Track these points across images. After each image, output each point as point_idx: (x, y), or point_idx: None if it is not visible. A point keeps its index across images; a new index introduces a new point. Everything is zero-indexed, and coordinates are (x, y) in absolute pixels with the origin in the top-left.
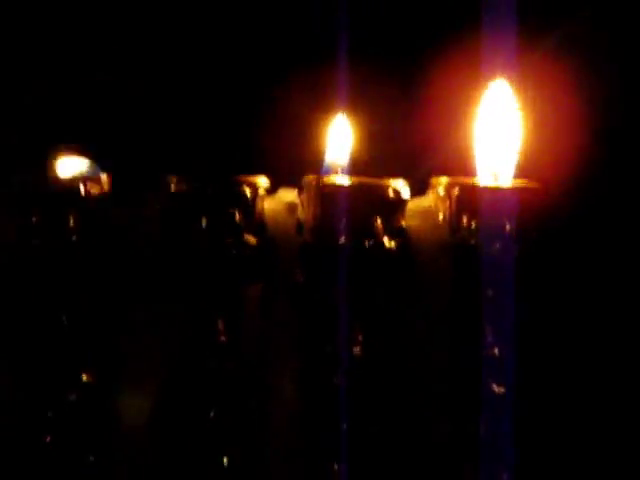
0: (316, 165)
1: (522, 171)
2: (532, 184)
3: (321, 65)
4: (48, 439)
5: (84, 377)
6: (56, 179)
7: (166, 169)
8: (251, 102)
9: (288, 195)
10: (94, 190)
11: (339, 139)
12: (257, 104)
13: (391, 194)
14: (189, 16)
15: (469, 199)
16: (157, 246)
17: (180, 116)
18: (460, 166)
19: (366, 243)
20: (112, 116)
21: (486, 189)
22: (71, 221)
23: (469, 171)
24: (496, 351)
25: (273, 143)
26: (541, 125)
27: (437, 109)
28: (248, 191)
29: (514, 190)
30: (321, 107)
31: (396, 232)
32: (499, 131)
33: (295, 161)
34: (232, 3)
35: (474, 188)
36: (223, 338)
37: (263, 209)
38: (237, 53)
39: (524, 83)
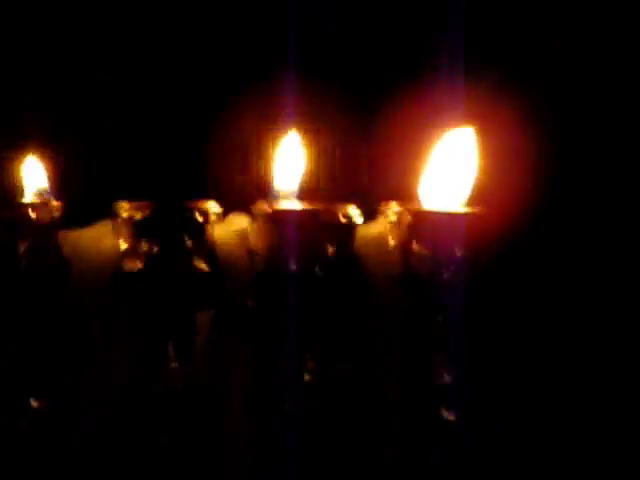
0: (266, 190)
1: (472, 200)
2: (481, 210)
3: (272, 88)
4: None
5: (34, 403)
6: (4, 204)
7: (116, 194)
8: (200, 126)
9: (239, 221)
10: (44, 216)
11: (290, 164)
12: (206, 128)
13: (342, 220)
14: (134, 35)
15: (420, 225)
16: (107, 272)
17: (130, 141)
18: (410, 193)
19: (317, 269)
20: (60, 139)
21: (437, 215)
22: (20, 247)
23: (418, 198)
24: (447, 378)
25: (224, 168)
26: (492, 156)
27: (390, 137)
28: (199, 217)
29: (464, 215)
30: (272, 132)
31: (347, 258)
32: (450, 159)
33: (246, 186)
34: (178, 23)
35: (425, 214)
36: (174, 364)
37: (214, 235)
38: (185, 76)
39: (476, 115)
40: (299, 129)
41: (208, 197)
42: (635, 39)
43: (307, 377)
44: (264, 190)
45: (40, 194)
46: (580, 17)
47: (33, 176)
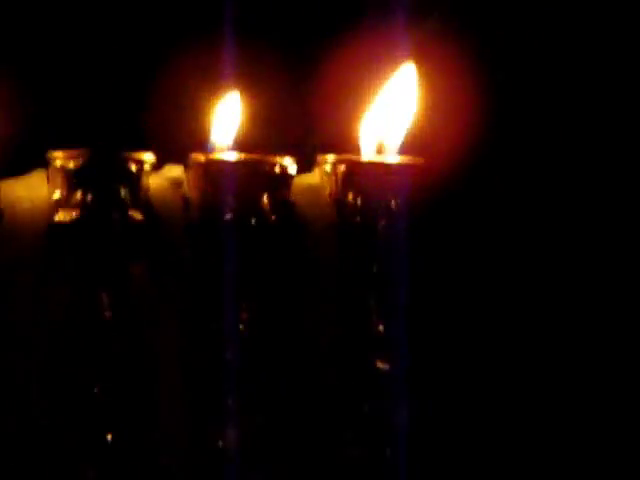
0: (203, 143)
1: (408, 149)
2: (417, 160)
3: (210, 42)
4: None
5: None
6: None
7: (51, 143)
8: (139, 78)
9: (174, 171)
10: None
11: (227, 117)
12: (145, 80)
13: (277, 170)
14: None
15: (355, 175)
16: (41, 222)
17: (67, 89)
18: (348, 144)
19: (252, 220)
20: None
21: (371, 165)
22: None
23: (356, 149)
24: (381, 328)
25: (160, 119)
26: (429, 105)
27: (328, 87)
28: (134, 167)
29: (399, 166)
30: (210, 84)
31: (282, 208)
32: (387, 108)
33: (182, 138)
34: None
35: (360, 164)
36: (107, 314)
37: (148, 185)
38: (125, 24)
39: (415, 62)
40: (237, 84)
41: (145, 149)
42: None
43: (242, 328)
44: (201, 143)
45: None
46: None
47: None
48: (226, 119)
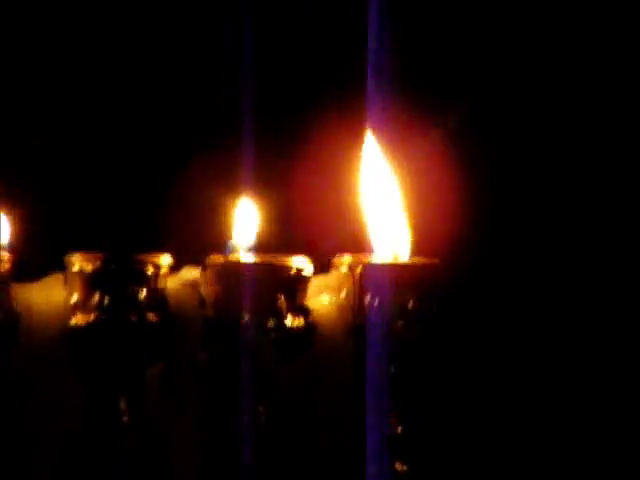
0: (221, 245)
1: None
2: (431, 260)
3: (229, 147)
4: None
5: None
6: None
7: (70, 246)
8: (158, 182)
9: (191, 274)
10: None
11: (245, 219)
12: (164, 185)
13: (293, 271)
14: (94, 87)
15: (371, 277)
16: (58, 325)
17: (84, 192)
18: (357, 245)
19: (269, 322)
20: (12, 191)
21: (389, 267)
22: None
23: (366, 250)
24: (400, 430)
25: (178, 222)
26: (428, 203)
27: (335, 189)
28: (150, 269)
29: (416, 266)
30: (228, 187)
31: (299, 310)
32: (392, 210)
33: (200, 241)
34: (137, 84)
35: (376, 266)
36: (125, 418)
37: (165, 287)
38: (143, 131)
39: (414, 162)
40: (254, 187)
41: (162, 251)
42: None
43: (259, 429)
44: (219, 246)
45: None
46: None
47: None
48: (244, 221)
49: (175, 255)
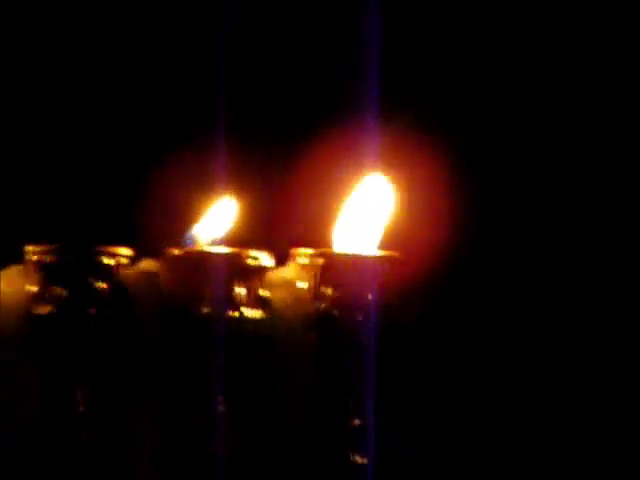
0: (181, 239)
1: (385, 244)
2: (393, 254)
3: (203, 144)
4: None
5: None
6: None
7: (28, 238)
8: (129, 177)
9: (151, 265)
10: None
11: (208, 215)
12: (135, 179)
13: (250, 262)
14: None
15: (331, 268)
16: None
17: (47, 182)
18: (325, 239)
19: (226, 312)
20: None
21: (348, 258)
22: None
23: (332, 243)
24: (357, 422)
25: (144, 217)
26: (406, 201)
27: (307, 185)
28: (108, 261)
29: (376, 258)
30: (193, 185)
31: (257, 301)
32: (365, 204)
33: (163, 235)
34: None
35: (337, 257)
36: (82, 409)
37: (124, 279)
38: (117, 124)
39: (390, 159)
40: (220, 185)
41: (123, 244)
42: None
43: (219, 422)
44: (179, 240)
45: None
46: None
47: None
48: (207, 217)
49: (136, 248)
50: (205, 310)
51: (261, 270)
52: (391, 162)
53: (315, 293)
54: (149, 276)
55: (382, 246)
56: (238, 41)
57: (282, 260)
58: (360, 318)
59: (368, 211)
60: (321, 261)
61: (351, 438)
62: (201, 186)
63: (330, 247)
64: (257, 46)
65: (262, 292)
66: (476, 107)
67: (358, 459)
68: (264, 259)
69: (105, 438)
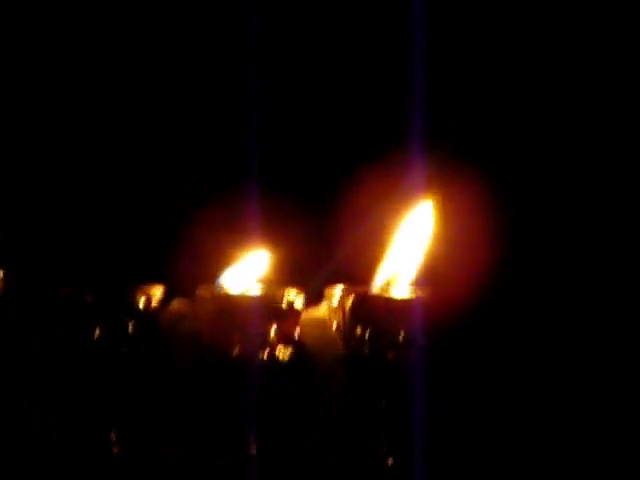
0: (215, 280)
1: (423, 281)
2: (424, 293)
3: (234, 192)
4: None
5: None
6: None
7: (63, 279)
8: (165, 227)
9: (182, 304)
10: None
11: (243, 259)
12: (170, 228)
13: (284, 304)
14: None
15: (362, 308)
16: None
17: (78, 224)
18: (362, 279)
19: (260, 353)
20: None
21: (379, 298)
22: None
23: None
24: (390, 461)
25: (175, 254)
26: (444, 238)
27: (347, 223)
28: (142, 301)
29: (405, 300)
30: (227, 231)
31: (290, 342)
32: (403, 243)
33: (197, 277)
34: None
35: (367, 297)
36: (116, 449)
37: (157, 319)
38: (154, 166)
39: (430, 197)
40: (253, 229)
41: (156, 283)
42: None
43: (251, 461)
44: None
45: None
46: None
47: None
48: (242, 261)
49: (169, 288)
50: (238, 350)
51: (294, 310)
52: (431, 195)
53: (345, 332)
54: (183, 316)
55: (420, 280)
56: (272, 77)
57: (317, 299)
58: (390, 357)
59: (406, 246)
60: (351, 300)
61: (384, 477)
62: (234, 231)
63: (367, 285)
64: (292, 77)
65: (294, 332)
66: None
67: None
68: (296, 300)
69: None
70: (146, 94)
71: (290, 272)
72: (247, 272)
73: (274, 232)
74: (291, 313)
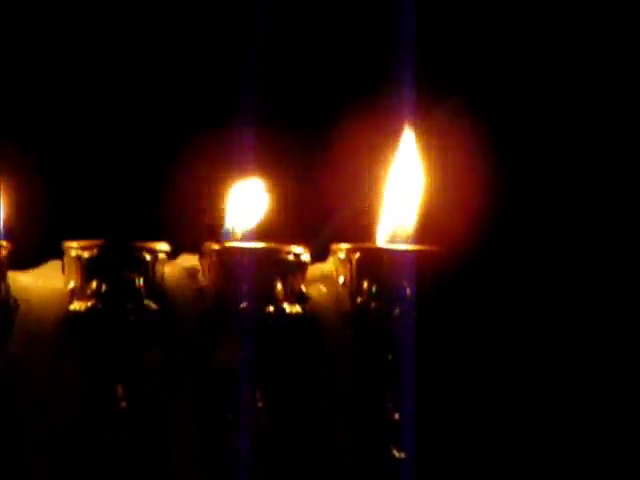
0: (218, 232)
1: (421, 234)
2: (430, 247)
3: (227, 129)
4: None
5: None
6: None
7: (67, 234)
8: (155, 167)
9: (189, 261)
10: None
11: (242, 205)
12: (161, 169)
13: (291, 258)
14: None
15: (369, 263)
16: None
17: (82, 179)
18: (363, 233)
19: (267, 309)
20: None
21: (385, 252)
22: None
23: (371, 237)
24: (396, 416)
25: (177, 209)
26: (442, 188)
27: (342, 175)
28: (148, 256)
29: (414, 252)
30: (225, 173)
31: (297, 297)
32: (401, 194)
33: (199, 228)
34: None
35: (374, 252)
36: (123, 404)
37: (163, 275)
38: (142, 113)
39: (427, 146)
40: (252, 172)
41: (160, 239)
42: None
43: (258, 417)
44: (216, 232)
45: None
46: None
47: None
48: (242, 208)
49: (173, 243)
50: (244, 306)
51: (300, 265)
52: (425, 150)
53: (352, 287)
54: (189, 273)
55: (416, 237)
56: (270, 24)
57: (323, 255)
58: (397, 311)
59: (404, 201)
60: (357, 255)
61: (390, 433)
62: (228, 170)
63: (370, 241)
64: (289, 28)
65: (301, 287)
66: (512, 96)
67: (397, 454)
68: (302, 254)
69: (146, 433)
70: (137, 29)
71: (292, 223)
72: (247, 220)
73: (267, 173)
74: (298, 267)
